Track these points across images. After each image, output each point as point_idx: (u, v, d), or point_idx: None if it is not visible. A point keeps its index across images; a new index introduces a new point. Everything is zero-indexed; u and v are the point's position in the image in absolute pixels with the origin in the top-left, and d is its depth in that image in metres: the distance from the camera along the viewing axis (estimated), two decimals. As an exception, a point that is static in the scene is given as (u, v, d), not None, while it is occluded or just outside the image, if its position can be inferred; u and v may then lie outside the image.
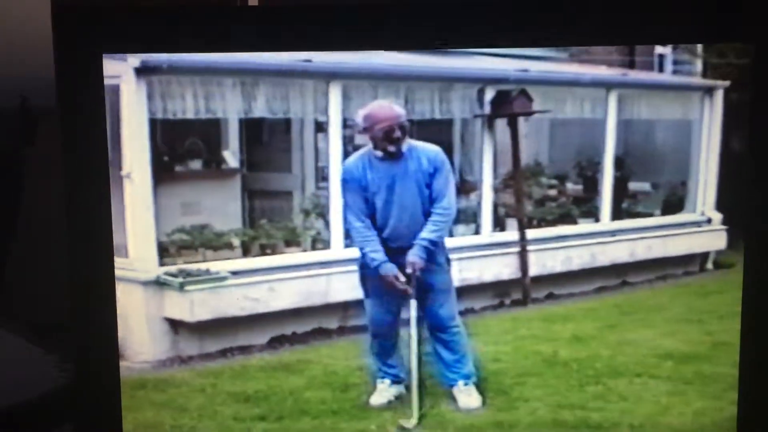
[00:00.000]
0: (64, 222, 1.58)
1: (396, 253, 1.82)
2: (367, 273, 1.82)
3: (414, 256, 1.81)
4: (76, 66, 1.57)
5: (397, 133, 1.78)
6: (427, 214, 1.81)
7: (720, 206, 1.79)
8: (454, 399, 1.79)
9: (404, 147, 1.80)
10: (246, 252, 1.83)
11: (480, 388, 1.77)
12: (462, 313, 1.81)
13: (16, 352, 1.92)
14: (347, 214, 1.82)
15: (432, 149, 1.79)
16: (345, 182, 1.81)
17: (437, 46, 1.61)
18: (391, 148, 1.79)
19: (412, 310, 1.82)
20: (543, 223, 1.89)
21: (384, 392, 1.78)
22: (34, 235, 2.15)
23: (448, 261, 1.81)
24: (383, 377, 1.79)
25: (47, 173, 1.69)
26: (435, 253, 1.81)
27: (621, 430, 1.70)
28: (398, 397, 1.77)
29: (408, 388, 1.78)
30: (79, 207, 1.59)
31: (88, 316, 1.62)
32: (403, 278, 1.81)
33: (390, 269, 1.82)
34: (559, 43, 1.65)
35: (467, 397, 1.79)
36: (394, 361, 1.80)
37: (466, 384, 1.79)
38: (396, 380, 1.79)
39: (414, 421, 1.74)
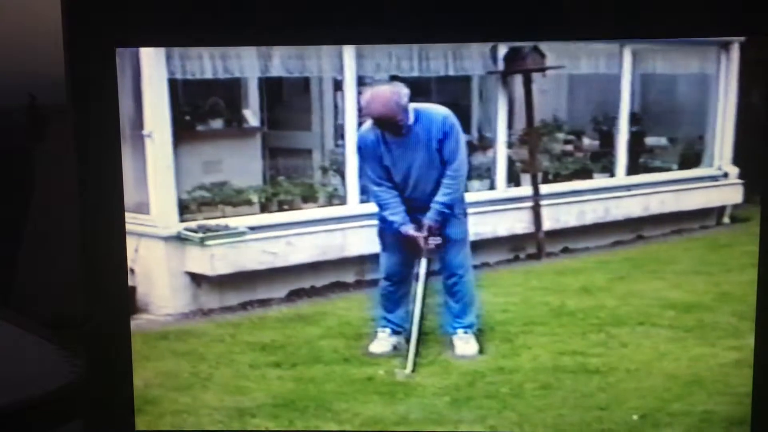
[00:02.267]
0: (75, 218, 1.62)
1: (417, 211, 1.87)
2: (385, 228, 1.87)
3: (430, 220, 1.86)
4: (89, 61, 1.59)
5: (397, 122, 1.83)
6: (440, 176, 1.86)
7: (737, 160, 1.80)
8: (452, 346, 1.84)
9: (410, 120, 1.84)
10: (264, 208, 1.88)
11: (480, 337, 1.82)
12: (477, 267, 1.86)
13: (26, 348, 1.94)
14: (366, 179, 1.87)
15: (440, 113, 1.82)
16: (360, 150, 1.86)
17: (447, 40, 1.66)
18: (394, 130, 1.85)
19: (422, 267, 1.87)
20: (558, 178, 1.92)
21: (384, 341, 1.82)
22: (45, 232, 2.18)
23: (465, 213, 1.85)
24: (385, 326, 1.84)
25: (57, 170, 1.72)
26: (452, 207, 1.86)
27: (617, 375, 1.74)
28: (396, 347, 1.82)
29: (408, 339, 1.83)
30: (92, 203, 1.63)
31: (100, 311, 1.66)
32: (424, 233, 1.87)
33: (410, 229, 1.88)
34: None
35: (465, 344, 1.83)
36: (398, 313, 1.85)
37: (465, 332, 1.84)
38: (396, 331, 1.84)
39: (407, 371, 1.79)
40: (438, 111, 1.82)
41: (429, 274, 1.87)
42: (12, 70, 2.02)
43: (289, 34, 1.61)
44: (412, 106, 1.82)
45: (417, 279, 1.87)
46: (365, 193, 1.89)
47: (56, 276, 1.96)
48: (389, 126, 1.83)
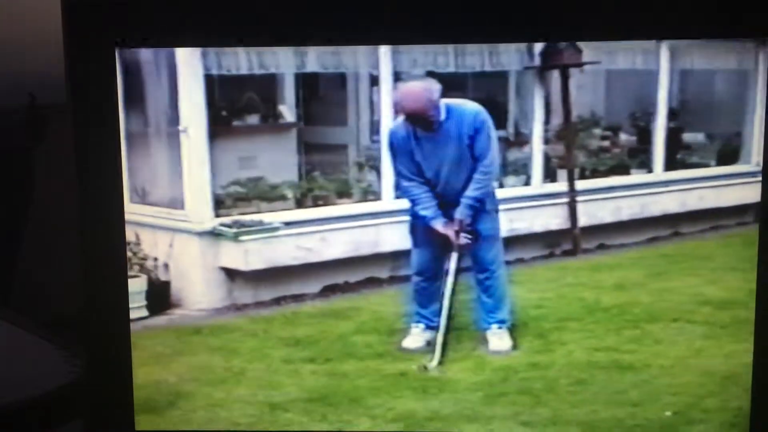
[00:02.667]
0: (75, 218, 1.63)
1: (449, 206, 1.87)
2: (417, 223, 1.86)
3: (460, 215, 1.86)
4: (89, 60, 1.60)
5: (429, 117, 1.83)
6: (471, 172, 1.86)
7: (776, 157, 1.79)
8: (486, 341, 1.84)
9: (441, 116, 1.84)
10: (299, 204, 1.88)
11: (514, 332, 1.81)
12: (511, 263, 1.85)
13: (25, 348, 1.95)
14: (397, 175, 1.87)
15: (471, 109, 1.81)
16: (391, 145, 1.85)
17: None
18: (426, 126, 1.84)
19: (452, 261, 1.87)
20: (595, 174, 1.91)
21: (417, 336, 1.82)
22: (45, 232, 2.19)
23: (497, 209, 1.85)
24: (418, 321, 1.83)
25: (57, 170, 1.73)
26: (484, 203, 1.86)
27: (651, 371, 1.73)
28: (430, 343, 1.82)
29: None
30: (91, 202, 1.64)
31: (100, 310, 1.67)
32: (455, 228, 1.87)
33: (441, 224, 1.88)
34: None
35: (499, 340, 1.83)
36: (432, 308, 1.85)
37: (499, 328, 1.84)
38: (430, 326, 1.84)
39: (433, 363, 1.79)
40: (469, 107, 1.81)
41: (459, 269, 1.87)
42: (12, 70, 2.03)
43: (292, 33, 1.63)
44: (444, 101, 1.82)
45: (446, 274, 1.88)
46: (399, 189, 1.89)
47: (56, 276, 1.96)
48: (421, 121, 1.83)
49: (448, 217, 1.87)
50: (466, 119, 1.83)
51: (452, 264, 1.87)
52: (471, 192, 1.85)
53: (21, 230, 2.23)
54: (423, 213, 1.86)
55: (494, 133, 1.82)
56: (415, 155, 1.85)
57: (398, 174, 1.85)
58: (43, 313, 2.09)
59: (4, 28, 2.08)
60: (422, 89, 1.79)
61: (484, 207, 1.86)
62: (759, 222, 1.64)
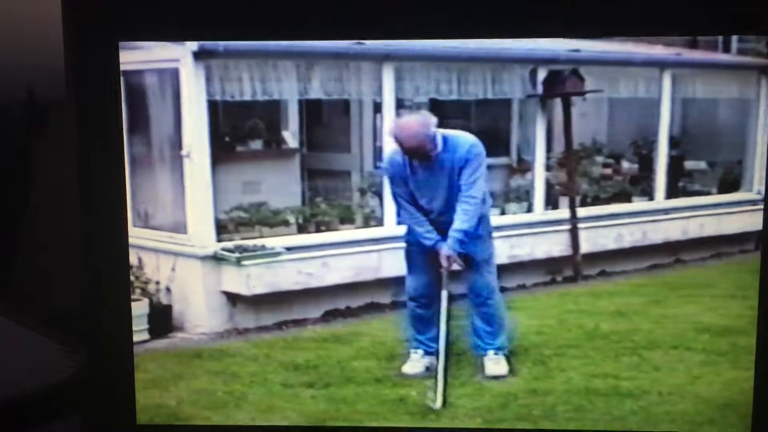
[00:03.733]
0: (75, 213, 1.63)
1: (440, 234, 1.88)
2: (412, 249, 1.87)
3: (448, 249, 1.86)
4: (89, 54, 1.59)
5: (427, 151, 1.83)
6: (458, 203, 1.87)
7: (776, 185, 1.79)
8: (482, 367, 1.83)
9: (438, 147, 1.84)
10: (302, 229, 1.89)
11: (513, 358, 1.81)
12: (513, 289, 1.85)
13: (25, 343, 1.95)
14: (397, 200, 1.87)
15: (465, 141, 1.81)
16: (388, 171, 1.86)
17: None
18: (422, 158, 1.84)
19: (443, 299, 1.85)
20: (597, 201, 1.91)
21: (417, 362, 1.82)
22: (45, 227, 2.19)
23: (490, 234, 1.84)
24: (417, 347, 1.84)
25: (58, 165, 1.73)
26: (470, 235, 1.85)
27: (649, 398, 1.73)
28: (429, 368, 1.82)
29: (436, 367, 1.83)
30: (93, 198, 1.63)
31: (101, 307, 1.66)
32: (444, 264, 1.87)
33: (444, 247, 1.88)
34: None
35: (495, 365, 1.83)
36: (429, 334, 1.85)
37: (496, 353, 1.84)
38: (428, 352, 1.83)
39: (437, 405, 1.77)
40: (465, 138, 1.81)
41: (452, 299, 1.86)
42: (11, 65, 2.03)
43: (295, 31, 1.62)
44: (441, 132, 1.82)
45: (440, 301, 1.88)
46: (399, 215, 1.90)
47: (56, 271, 1.96)
48: (418, 155, 1.84)
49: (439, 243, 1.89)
50: (460, 150, 1.83)
51: (444, 302, 1.85)
52: (458, 224, 1.85)
53: (20, 226, 2.23)
54: (427, 236, 1.85)
55: (484, 166, 1.81)
56: (409, 183, 1.86)
57: (397, 198, 1.87)
58: (42, 309, 2.09)
59: (3, 22, 2.08)
60: (418, 125, 1.80)
61: (476, 232, 1.86)
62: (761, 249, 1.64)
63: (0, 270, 2.17)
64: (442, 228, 1.86)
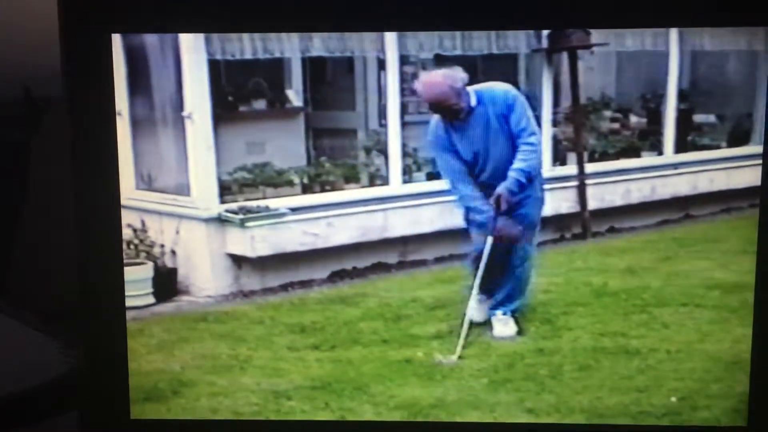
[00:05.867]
0: (72, 209, 1.62)
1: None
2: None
3: (503, 189, 1.83)
4: (84, 48, 1.57)
5: (451, 106, 1.81)
6: (515, 149, 1.84)
7: (787, 138, 1.77)
8: (491, 327, 1.83)
9: (472, 103, 1.82)
10: (306, 189, 1.88)
11: (521, 318, 1.80)
12: (523, 247, 1.86)
13: (20, 339, 1.95)
14: (446, 176, 1.85)
15: (500, 90, 1.80)
16: (433, 144, 1.84)
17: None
18: (451, 115, 1.83)
19: (487, 246, 1.84)
20: (605, 156, 1.89)
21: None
22: (42, 223, 2.18)
23: (543, 195, 1.81)
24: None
25: (54, 161, 1.71)
26: (531, 177, 1.83)
27: (658, 355, 1.72)
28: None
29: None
30: (88, 193, 1.62)
31: (97, 302, 1.65)
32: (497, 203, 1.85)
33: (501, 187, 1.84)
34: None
35: (503, 326, 1.82)
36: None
37: (504, 314, 1.83)
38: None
39: (455, 357, 1.77)
40: (498, 88, 1.80)
41: (494, 249, 1.86)
42: (7, 61, 2.02)
43: (289, 18, 1.61)
44: (473, 88, 1.81)
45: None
46: (407, 174, 1.88)
47: (53, 267, 1.96)
48: (444, 111, 1.82)
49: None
50: (497, 100, 1.82)
51: (487, 248, 1.84)
52: (518, 164, 1.82)
53: (18, 221, 2.23)
54: (477, 218, 1.83)
55: (528, 108, 1.80)
56: (455, 145, 1.84)
57: (446, 173, 1.84)
58: (39, 304, 2.09)
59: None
60: (443, 78, 1.77)
61: (533, 189, 1.83)
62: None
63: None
64: (495, 184, 1.82)
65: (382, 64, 1.85)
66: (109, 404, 1.69)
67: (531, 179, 1.83)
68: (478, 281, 1.83)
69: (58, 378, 1.80)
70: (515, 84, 1.85)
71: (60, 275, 1.74)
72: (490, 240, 1.85)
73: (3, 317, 1.98)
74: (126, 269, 1.67)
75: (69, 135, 1.59)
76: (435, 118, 1.82)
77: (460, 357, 1.76)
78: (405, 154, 1.88)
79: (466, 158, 1.85)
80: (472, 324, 1.80)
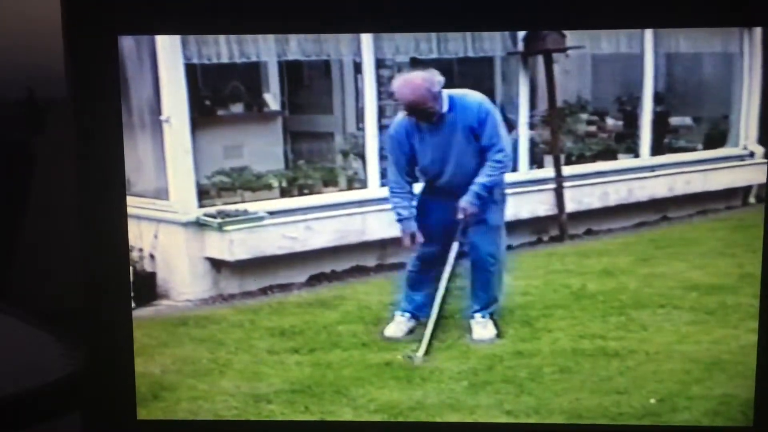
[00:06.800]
0: (75, 209, 1.60)
1: (454, 197, 1.85)
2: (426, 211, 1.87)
3: (466, 203, 1.84)
4: (89, 50, 1.56)
5: (427, 109, 1.81)
6: (479, 163, 1.84)
7: (762, 140, 1.77)
8: (470, 329, 1.83)
9: (444, 108, 1.82)
10: (285, 193, 1.88)
11: (500, 321, 1.80)
12: (499, 250, 1.86)
13: (24, 339, 1.95)
14: (389, 166, 1.86)
15: (473, 100, 1.79)
16: (391, 138, 1.85)
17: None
18: (426, 118, 1.82)
19: (452, 251, 1.85)
20: (582, 159, 1.90)
21: (401, 325, 1.82)
22: (45, 223, 2.18)
23: (504, 198, 1.82)
24: (404, 311, 1.83)
25: (58, 161, 1.71)
26: (491, 191, 1.84)
27: (637, 358, 1.72)
28: (411, 331, 1.81)
29: (424, 324, 1.81)
30: (92, 193, 1.60)
31: (101, 301, 1.63)
32: (419, 240, 1.83)
33: (409, 227, 1.84)
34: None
35: (482, 329, 1.82)
36: (420, 298, 1.84)
37: (483, 317, 1.83)
38: (414, 316, 1.83)
39: (420, 353, 1.78)
40: (472, 97, 1.79)
41: (460, 255, 1.87)
42: (11, 62, 2.02)
43: (294, 20, 1.60)
44: (447, 92, 1.81)
45: (446, 263, 1.86)
46: (386, 177, 1.88)
47: (57, 267, 1.96)
48: (420, 113, 1.81)
49: (452, 209, 1.85)
50: (470, 110, 1.81)
51: (452, 254, 1.85)
52: (481, 179, 1.82)
53: (21, 222, 2.23)
54: (399, 210, 1.83)
55: (500, 122, 1.81)
56: (415, 147, 1.83)
57: (391, 165, 1.84)
58: (42, 304, 2.09)
59: (2, 21, 2.07)
60: (421, 80, 1.77)
61: (492, 197, 1.84)
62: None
63: (1, 266, 2.18)
64: (454, 191, 1.84)
65: (358, 68, 1.86)
66: (114, 406, 1.68)
67: (491, 192, 1.84)
68: (442, 291, 1.85)
69: (63, 379, 1.79)
70: (491, 87, 1.86)
71: (61, 275, 1.74)
72: (455, 245, 1.86)
73: (5, 317, 1.97)
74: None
75: (73, 137, 1.58)
76: (402, 116, 1.82)
77: (426, 353, 1.77)
78: (383, 157, 1.89)
79: (423, 162, 1.85)
80: (440, 321, 1.83)
